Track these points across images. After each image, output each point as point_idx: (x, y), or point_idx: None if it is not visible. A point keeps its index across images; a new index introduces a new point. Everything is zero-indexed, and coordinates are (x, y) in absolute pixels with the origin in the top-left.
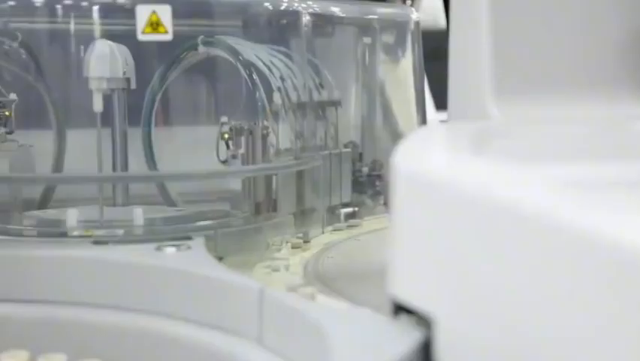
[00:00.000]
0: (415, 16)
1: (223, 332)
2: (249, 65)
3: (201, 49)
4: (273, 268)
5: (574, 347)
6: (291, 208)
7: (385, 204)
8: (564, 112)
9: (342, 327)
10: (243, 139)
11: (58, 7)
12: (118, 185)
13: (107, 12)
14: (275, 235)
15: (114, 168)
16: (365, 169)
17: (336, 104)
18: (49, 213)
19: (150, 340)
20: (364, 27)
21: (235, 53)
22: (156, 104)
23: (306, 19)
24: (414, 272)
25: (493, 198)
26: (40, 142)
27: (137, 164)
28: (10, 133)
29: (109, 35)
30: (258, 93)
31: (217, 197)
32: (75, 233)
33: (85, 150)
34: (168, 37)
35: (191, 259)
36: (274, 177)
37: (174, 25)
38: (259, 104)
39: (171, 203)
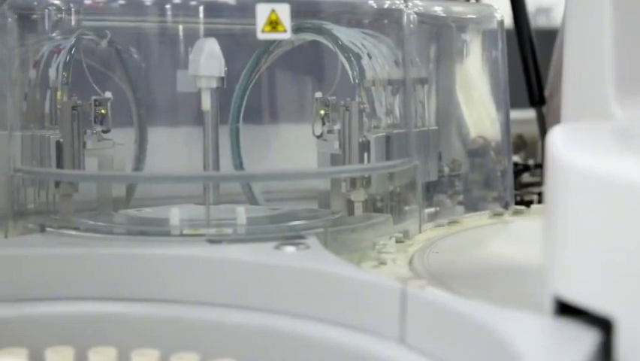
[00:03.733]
0: (498, 15)
1: (360, 331)
2: (339, 45)
3: (292, 36)
4: (380, 261)
5: None
6: (389, 207)
7: (461, 203)
8: None
9: (511, 326)
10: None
11: (146, 4)
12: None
13: (192, 10)
14: (377, 233)
15: (205, 167)
16: (446, 169)
17: (423, 81)
18: (145, 212)
19: (281, 339)
20: (444, 26)
21: (324, 32)
22: (245, 100)
23: (409, 18)
24: (589, 271)
25: None
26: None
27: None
28: (106, 132)
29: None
30: (351, 69)
31: (300, 195)
32: (186, 232)
33: (166, 148)
34: (287, 35)
35: (317, 259)
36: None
37: None
38: (355, 80)
39: (254, 201)
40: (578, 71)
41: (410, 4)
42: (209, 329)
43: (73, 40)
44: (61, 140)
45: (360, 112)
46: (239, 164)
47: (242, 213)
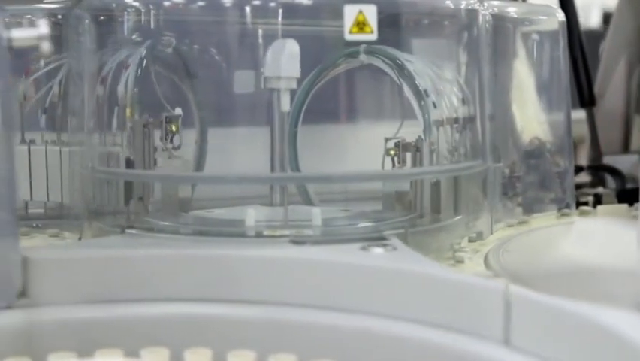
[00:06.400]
0: (560, 15)
1: (460, 332)
2: (410, 81)
3: (362, 57)
4: (457, 259)
5: None
6: (461, 209)
7: (519, 205)
8: None
9: (633, 327)
10: (409, 155)
11: (223, 6)
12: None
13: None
14: (451, 234)
15: (279, 168)
16: (506, 171)
17: (490, 118)
18: (217, 213)
19: (377, 340)
20: (503, 27)
21: (398, 67)
22: (305, 105)
23: (485, 18)
24: None
25: None
26: None
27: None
28: (176, 149)
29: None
30: (423, 111)
31: (352, 197)
32: (266, 233)
33: (224, 149)
34: (373, 37)
35: (409, 260)
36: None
37: None
38: (425, 118)
39: (309, 202)
40: None
41: (485, 4)
42: (302, 331)
43: (143, 51)
44: (132, 157)
45: (431, 153)
46: (295, 167)
47: (317, 214)
